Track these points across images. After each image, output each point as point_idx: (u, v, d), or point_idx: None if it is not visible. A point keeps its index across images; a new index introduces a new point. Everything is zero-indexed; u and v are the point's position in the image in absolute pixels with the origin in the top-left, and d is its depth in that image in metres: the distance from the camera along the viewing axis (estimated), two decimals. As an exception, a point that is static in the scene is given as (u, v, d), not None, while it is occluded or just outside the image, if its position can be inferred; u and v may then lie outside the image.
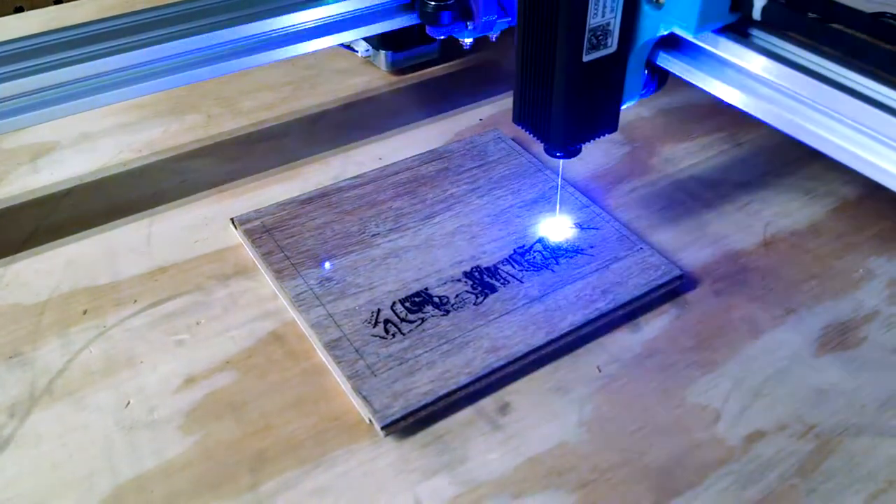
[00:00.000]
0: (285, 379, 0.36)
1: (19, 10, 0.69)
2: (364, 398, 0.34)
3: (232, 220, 0.44)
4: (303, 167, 0.50)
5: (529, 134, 0.39)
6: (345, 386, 0.35)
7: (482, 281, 0.40)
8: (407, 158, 0.48)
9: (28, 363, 0.37)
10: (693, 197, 0.47)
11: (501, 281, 0.40)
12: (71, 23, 0.64)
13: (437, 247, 0.42)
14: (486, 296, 0.39)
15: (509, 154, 0.48)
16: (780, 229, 0.44)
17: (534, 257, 0.41)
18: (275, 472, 0.33)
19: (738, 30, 0.36)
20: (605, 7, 0.34)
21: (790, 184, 0.48)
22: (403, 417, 0.33)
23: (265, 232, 0.43)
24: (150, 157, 0.51)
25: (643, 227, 0.44)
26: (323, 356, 0.37)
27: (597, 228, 0.43)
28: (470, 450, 0.34)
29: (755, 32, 0.35)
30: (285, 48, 0.47)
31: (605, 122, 0.38)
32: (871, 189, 0.45)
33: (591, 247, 0.42)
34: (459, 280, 0.40)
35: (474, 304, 0.38)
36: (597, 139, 0.39)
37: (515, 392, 0.36)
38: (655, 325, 0.39)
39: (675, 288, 0.40)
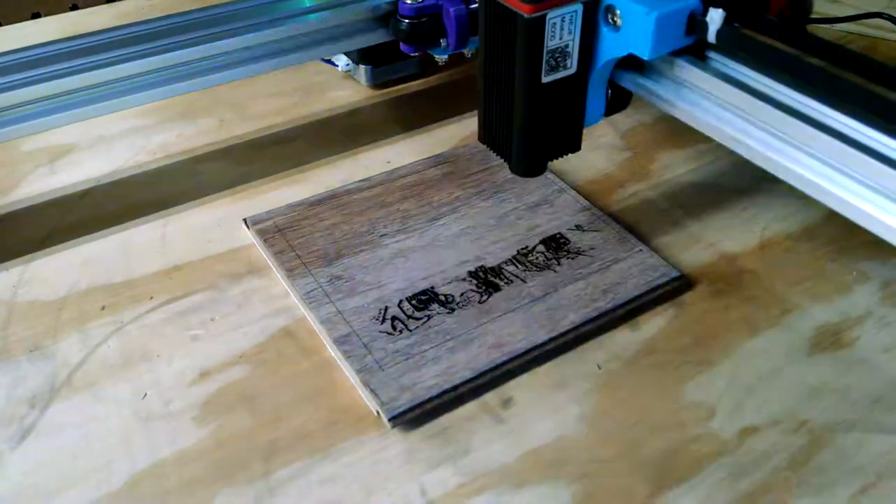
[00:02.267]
0: (296, 373, 0.38)
1: (36, 15, 0.71)
2: (372, 391, 0.35)
3: (244, 220, 0.46)
4: (312, 170, 0.51)
5: (494, 153, 0.39)
6: (353, 379, 0.37)
7: (486, 280, 0.41)
8: (414, 162, 0.50)
9: (48, 356, 0.39)
10: (691, 202, 0.48)
11: (505, 280, 0.41)
12: (86, 28, 0.66)
13: (443, 247, 0.43)
14: (490, 294, 0.40)
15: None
16: (775, 233, 0.46)
17: (536, 258, 0.42)
18: (286, 462, 0.34)
19: (696, 52, 0.36)
20: (562, 30, 0.34)
21: (785, 189, 0.49)
22: (410, 410, 0.35)
23: (277, 232, 0.44)
24: (165, 159, 0.52)
25: (643, 230, 0.45)
26: (332, 351, 0.38)
27: (598, 230, 0.44)
28: (474, 442, 0.35)
29: (713, 55, 0.36)
30: (276, 59, 0.48)
31: (568, 141, 0.39)
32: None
33: (592, 248, 0.43)
34: (464, 279, 0.41)
35: (479, 302, 0.40)
36: (560, 158, 0.39)
37: (518, 387, 0.37)
38: (654, 324, 0.40)
39: (674, 288, 0.41)
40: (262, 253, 0.44)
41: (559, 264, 0.42)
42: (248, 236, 0.45)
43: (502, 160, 0.39)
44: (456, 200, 0.46)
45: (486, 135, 0.39)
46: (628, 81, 0.39)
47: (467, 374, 0.36)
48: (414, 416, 0.35)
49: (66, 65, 0.44)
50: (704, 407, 0.36)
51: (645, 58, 0.34)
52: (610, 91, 0.39)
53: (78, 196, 0.49)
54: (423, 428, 0.35)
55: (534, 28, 0.33)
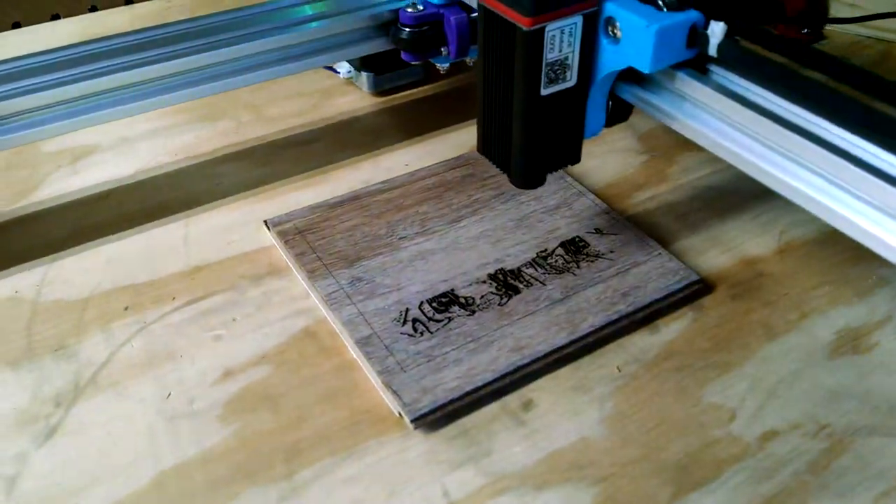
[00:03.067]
0: (318, 373, 0.38)
1: (56, 17, 0.72)
2: (394, 392, 0.35)
3: (265, 222, 0.46)
4: (332, 172, 0.51)
5: (493, 165, 0.39)
6: (375, 381, 0.37)
7: (506, 283, 0.41)
8: (433, 164, 0.50)
9: (73, 356, 0.39)
10: (709, 205, 0.48)
11: (525, 283, 0.41)
12: (105, 29, 0.67)
13: (463, 249, 0.43)
14: (510, 297, 0.40)
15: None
16: (794, 237, 0.46)
17: (556, 260, 0.43)
18: (309, 462, 0.34)
19: (698, 65, 0.35)
20: (562, 42, 0.33)
21: None
22: (432, 411, 0.35)
23: (298, 234, 0.44)
24: (186, 160, 0.53)
25: (662, 234, 0.46)
26: (354, 352, 0.38)
27: (616, 234, 0.44)
28: (495, 443, 0.35)
29: (714, 69, 0.35)
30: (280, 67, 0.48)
31: (568, 153, 0.38)
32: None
33: (612, 251, 0.43)
34: (484, 282, 0.41)
35: (499, 304, 0.40)
36: (559, 170, 0.39)
37: (538, 389, 0.37)
38: (673, 327, 0.40)
39: (693, 292, 0.42)
40: (282, 254, 0.44)
41: (578, 267, 0.42)
42: (269, 237, 0.46)
43: (500, 171, 0.39)
44: (475, 203, 0.47)
45: (485, 146, 0.39)
46: (629, 94, 0.38)
47: (488, 377, 0.36)
48: (436, 418, 0.35)
49: (88, 68, 0.44)
50: (724, 410, 0.36)
51: (645, 71, 0.33)
52: (611, 103, 0.39)
53: (100, 197, 0.50)
54: (444, 429, 0.36)
55: (532, 41, 0.33)
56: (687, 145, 0.53)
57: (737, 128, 0.34)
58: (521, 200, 0.47)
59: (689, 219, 0.47)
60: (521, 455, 0.35)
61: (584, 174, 0.50)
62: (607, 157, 0.52)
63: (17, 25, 0.70)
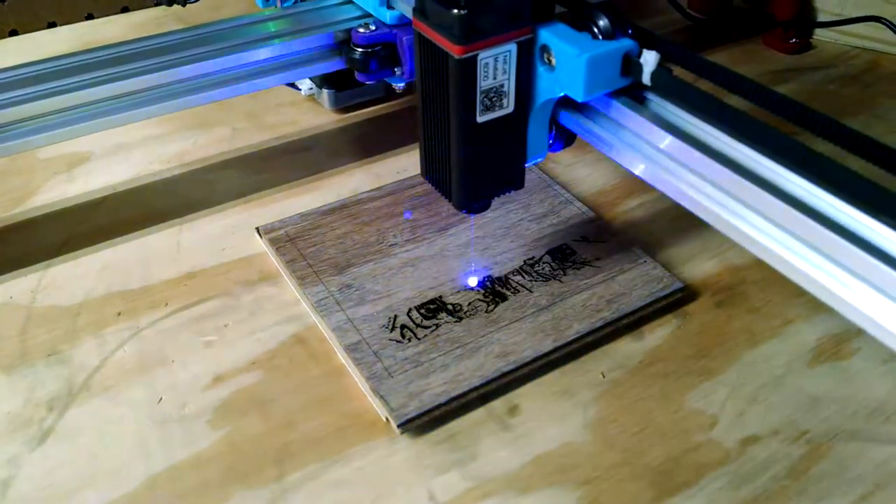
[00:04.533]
0: (307, 379, 0.39)
1: (52, 25, 0.72)
2: (382, 398, 0.36)
3: (257, 229, 0.47)
4: (324, 179, 0.52)
5: (436, 189, 0.38)
6: (363, 386, 0.38)
7: (493, 290, 0.42)
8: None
9: (66, 361, 0.40)
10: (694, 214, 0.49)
11: (512, 290, 0.42)
12: (101, 37, 0.67)
13: (451, 257, 0.44)
14: (497, 304, 0.41)
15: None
16: (778, 245, 0.46)
17: (543, 268, 0.43)
18: (298, 465, 0.35)
19: (635, 94, 0.34)
20: (496, 69, 0.33)
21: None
22: (418, 416, 0.36)
23: (289, 241, 0.45)
24: (180, 168, 0.53)
25: (647, 241, 0.46)
26: (343, 358, 0.39)
27: (603, 242, 0.45)
28: (480, 448, 0.36)
29: (652, 97, 0.34)
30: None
31: (510, 179, 0.37)
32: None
33: (598, 259, 0.44)
34: (472, 289, 0.42)
35: (486, 311, 0.41)
36: (502, 195, 0.38)
37: (524, 395, 0.38)
38: (657, 334, 0.41)
39: (677, 299, 0.42)
40: (274, 261, 0.45)
41: (565, 275, 0.43)
42: (261, 244, 0.46)
43: (442, 197, 0.38)
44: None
45: (427, 170, 0.38)
46: (569, 121, 0.37)
47: (475, 382, 0.37)
48: (422, 423, 0.36)
49: (84, 77, 0.44)
50: (706, 416, 0.37)
51: (578, 100, 0.33)
52: (555, 128, 0.38)
53: (95, 203, 0.51)
54: (431, 434, 0.36)
55: (465, 69, 0.32)
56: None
57: (671, 158, 0.33)
58: (509, 209, 0.47)
59: (675, 227, 0.48)
60: (507, 459, 0.35)
61: (572, 182, 0.51)
62: (594, 165, 0.53)
63: (14, 33, 0.71)
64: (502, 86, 0.33)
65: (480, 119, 0.34)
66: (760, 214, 0.29)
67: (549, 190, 0.49)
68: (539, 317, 0.40)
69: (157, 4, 0.55)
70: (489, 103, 0.33)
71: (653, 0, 0.74)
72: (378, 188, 0.49)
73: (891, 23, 0.63)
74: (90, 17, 0.73)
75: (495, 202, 0.48)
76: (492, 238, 0.45)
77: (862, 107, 0.60)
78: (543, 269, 0.43)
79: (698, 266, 0.45)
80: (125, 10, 0.75)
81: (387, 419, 0.36)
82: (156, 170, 0.53)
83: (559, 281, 0.42)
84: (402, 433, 0.36)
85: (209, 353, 0.40)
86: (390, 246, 0.45)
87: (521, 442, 0.36)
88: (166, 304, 0.43)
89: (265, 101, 0.60)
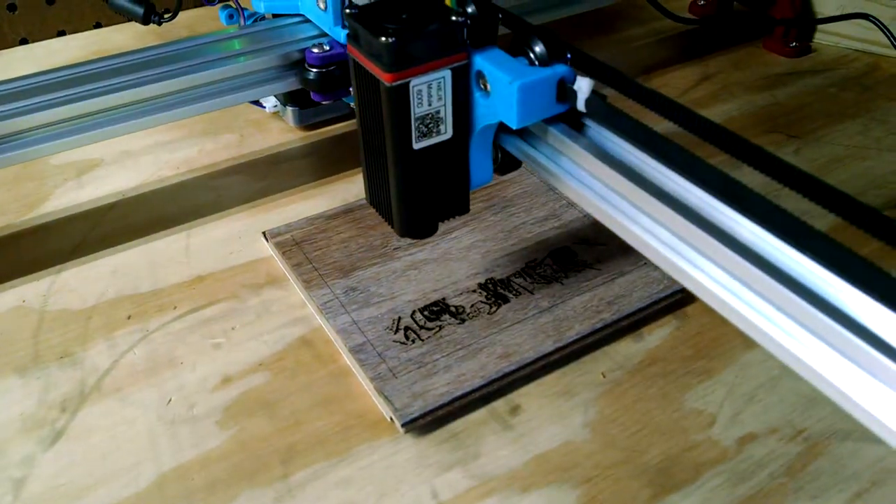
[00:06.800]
0: (313, 380, 0.40)
1: (62, 33, 0.74)
2: (386, 398, 0.37)
3: (264, 233, 0.47)
4: (329, 184, 0.53)
5: (380, 215, 0.38)
6: (368, 387, 0.38)
7: (496, 292, 0.43)
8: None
9: (77, 363, 0.41)
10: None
11: (514, 292, 0.43)
12: (110, 45, 0.68)
13: (454, 260, 0.45)
14: (499, 306, 0.42)
15: (521, 174, 0.51)
16: (777, 247, 0.47)
17: (544, 270, 0.44)
18: (304, 464, 0.36)
19: (573, 120, 0.33)
20: (430, 96, 0.32)
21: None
22: (422, 416, 0.36)
23: (295, 245, 0.46)
24: (187, 173, 0.54)
25: (647, 244, 0.47)
26: (348, 359, 0.40)
27: (603, 244, 0.46)
28: (483, 447, 0.36)
29: (590, 123, 0.33)
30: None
31: (454, 204, 0.37)
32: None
33: (598, 261, 0.45)
34: (474, 291, 0.43)
35: (488, 313, 0.41)
36: (447, 220, 0.38)
37: (525, 395, 0.39)
38: (657, 335, 0.42)
39: (676, 301, 0.43)
40: (280, 265, 0.46)
41: (566, 277, 0.44)
42: (268, 249, 0.47)
43: (386, 223, 0.37)
44: (466, 215, 0.48)
45: (371, 197, 0.37)
46: (511, 146, 0.36)
47: (477, 383, 0.38)
48: (426, 423, 0.37)
49: (94, 86, 0.45)
50: (705, 415, 0.38)
51: (513, 127, 0.32)
52: (500, 153, 0.37)
53: (105, 209, 0.51)
54: (434, 433, 0.37)
55: (397, 96, 0.31)
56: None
57: (605, 186, 0.32)
58: (511, 212, 0.48)
59: (675, 229, 0.48)
60: (508, 458, 0.36)
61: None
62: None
63: (24, 42, 0.72)
64: (438, 112, 0.33)
65: (417, 146, 0.33)
66: (693, 248, 0.28)
67: (550, 193, 0.50)
68: (540, 318, 0.41)
69: (131, 20, 0.55)
70: (425, 129, 0.33)
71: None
72: (382, 193, 0.50)
73: (880, 21, 0.64)
74: (98, 25, 0.74)
75: (497, 205, 0.49)
76: (494, 241, 0.46)
77: (861, 109, 0.61)
78: (545, 271, 0.44)
79: (698, 268, 0.46)
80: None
81: (391, 419, 0.37)
82: (164, 176, 0.54)
83: (560, 283, 0.43)
84: (405, 432, 0.37)
85: (217, 354, 0.41)
86: (394, 249, 0.46)
87: (523, 441, 0.37)
88: (175, 307, 0.44)
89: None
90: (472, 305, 0.42)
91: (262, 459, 0.36)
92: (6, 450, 0.36)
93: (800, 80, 0.65)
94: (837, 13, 0.68)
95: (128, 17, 0.56)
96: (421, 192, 0.35)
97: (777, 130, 0.59)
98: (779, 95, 0.63)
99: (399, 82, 0.31)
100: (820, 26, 0.70)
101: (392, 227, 0.37)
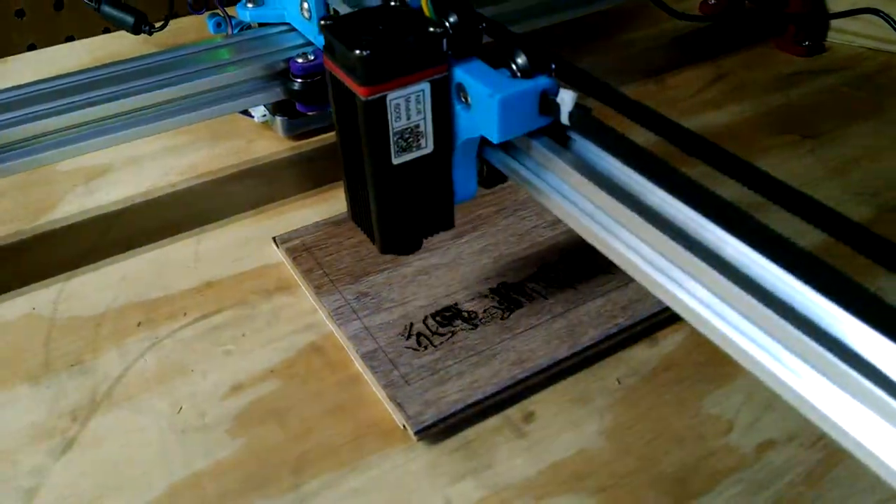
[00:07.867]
0: (325, 387, 0.39)
1: (70, 38, 0.74)
2: (398, 405, 0.37)
3: (273, 239, 0.47)
4: (337, 189, 0.53)
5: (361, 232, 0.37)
6: (380, 394, 0.38)
7: (508, 297, 0.42)
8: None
9: (88, 371, 0.40)
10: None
11: (527, 297, 0.42)
12: (117, 50, 0.68)
13: (466, 264, 0.44)
14: (512, 311, 0.41)
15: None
16: (793, 250, 0.46)
17: (557, 275, 0.43)
18: (315, 474, 0.35)
19: (557, 134, 0.32)
20: (409, 110, 0.31)
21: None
22: (435, 424, 0.36)
23: (305, 250, 0.46)
24: (196, 178, 0.54)
25: (661, 247, 0.46)
26: (359, 366, 0.40)
27: (617, 248, 0.45)
28: (496, 455, 0.36)
29: (575, 136, 0.32)
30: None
31: (437, 220, 0.36)
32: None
33: (612, 265, 0.44)
34: (487, 296, 0.42)
35: (501, 318, 0.41)
36: (431, 236, 0.37)
37: (539, 402, 0.38)
38: (672, 340, 0.41)
39: (691, 305, 0.42)
40: (290, 270, 0.46)
41: (579, 281, 0.43)
42: (277, 254, 0.47)
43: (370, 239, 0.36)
44: (477, 219, 0.48)
45: (353, 213, 0.37)
46: (495, 160, 0.35)
47: (490, 389, 0.37)
48: (439, 430, 0.36)
49: (102, 92, 0.45)
50: (722, 421, 0.37)
51: (494, 141, 0.31)
52: (485, 167, 0.36)
53: (113, 215, 0.51)
54: (447, 441, 0.37)
55: (373, 110, 0.30)
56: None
57: (588, 200, 0.31)
58: (522, 215, 0.48)
59: (689, 232, 0.48)
60: (522, 466, 0.35)
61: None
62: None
63: (32, 47, 0.72)
64: (418, 126, 0.32)
65: (396, 160, 0.32)
66: (674, 264, 0.27)
67: (562, 197, 0.49)
68: (554, 323, 0.41)
69: (119, 29, 0.55)
70: (405, 144, 0.32)
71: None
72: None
73: (888, 16, 0.63)
74: (107, 31, 0.74)
75: (508, 208, 0.48)
76: (506, 245, 0.46)
77: (874, 109, 0.60)
78: (558, 275, 0.43)
79: (712, 271, 0.45)
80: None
81: (404, 427, 0.36)
82: (173, 181, 0.54)
83: (574, 287, 0.43)
84: (418, 440, 0.36)
85: (227, 361, 0.41)
86: (405, 254, 0.45)
87: (537, 449, 0.36)
88: (185, 313, 0.43)
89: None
90: (485, 311, 0.41)
91: (273, 469, 0.36)
92: (17, 459, 0.36)
93: (813, 79, 0.64)
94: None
95: (118, 26, 0.56)
96: (402, 208, 0.34)
97: (791, 131, 0.58)
98: (792, 95, 0.62)
99: (375, 96, 0.30)
100: (833, 25, 0.69)
101: (374, 243, 0.36)
